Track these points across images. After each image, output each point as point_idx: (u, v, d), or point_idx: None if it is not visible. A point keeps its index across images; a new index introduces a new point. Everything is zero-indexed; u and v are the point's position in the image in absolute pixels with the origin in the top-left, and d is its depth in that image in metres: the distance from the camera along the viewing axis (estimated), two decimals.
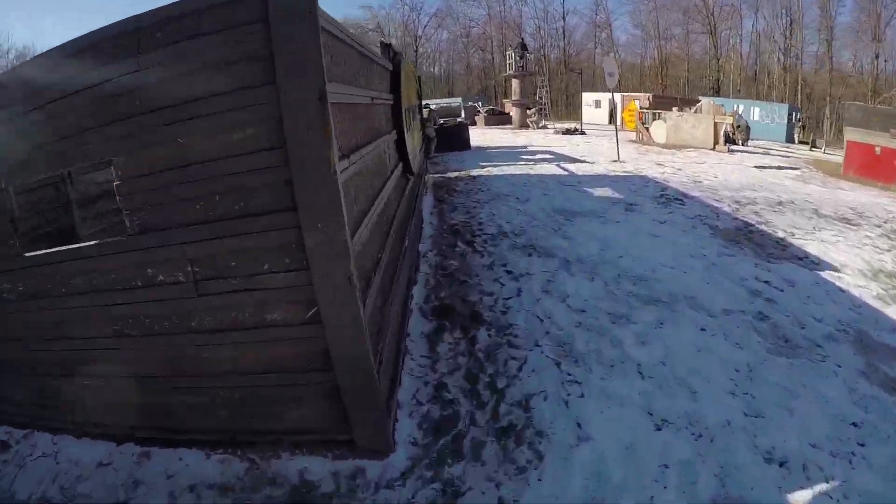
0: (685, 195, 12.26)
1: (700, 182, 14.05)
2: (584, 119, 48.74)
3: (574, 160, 18.00)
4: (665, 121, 23.55)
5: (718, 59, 64.07)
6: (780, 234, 9.37)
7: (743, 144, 23.64)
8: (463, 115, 23.31)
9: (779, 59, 61.34)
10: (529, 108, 33.12)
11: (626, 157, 18.06)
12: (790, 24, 60.15)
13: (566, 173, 15.23)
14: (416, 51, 72.17)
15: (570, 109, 57.35)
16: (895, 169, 16.11)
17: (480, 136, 27.33)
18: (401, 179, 7.26)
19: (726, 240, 8.95)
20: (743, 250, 8.48)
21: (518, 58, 32.45)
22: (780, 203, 11.81)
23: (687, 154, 19.88)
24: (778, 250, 8.57)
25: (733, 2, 62.46)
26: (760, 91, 60.43)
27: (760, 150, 23.94)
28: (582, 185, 13.37)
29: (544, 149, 21.18)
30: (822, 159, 22.76)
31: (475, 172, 15.46)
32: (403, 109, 7.70)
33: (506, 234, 8.88)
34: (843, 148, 19.00)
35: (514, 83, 32.85)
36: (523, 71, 32.59)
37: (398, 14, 72.04)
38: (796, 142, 36.89)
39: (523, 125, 32.73)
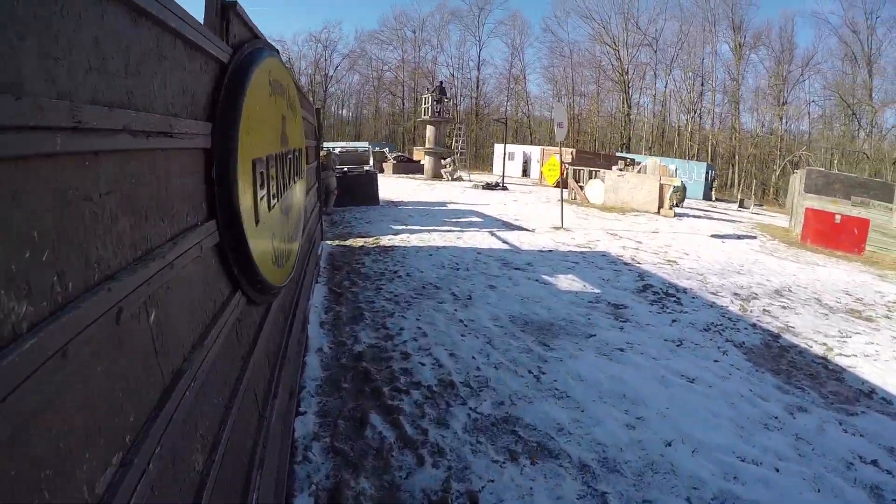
0: (675, 287, 8.96)
1: (675, 262, 10.97)
2: (496, 171, 46.55)
3: (509, 225, 14.53)
4: (603, 180, 20.61)
5: (629, 116, 63.57)
6: (817, 350, 6.77)
7: (678, 206, 21.06)
8: (372, 162, 19.55)
9: (688, 118, 61.41)
10: (444, 158, 29.73)
11: (567, 223, 14.74)
12: (701, 85, 60.51)
13: (507, 247, 11.58)
14: (326, 90, 68.85)
15: (479, 161, 55.11)
16: (856, 238, 15.19)
17: (391, 186, 23.62)
18: None
19: (771, 371, 5.98)
20: (806, 392, 5.51)
21: (435, 102, 29.09)
22: (777, 292, 9.51)
23: (634, 220, 16.92)
24: (836, 382, 5.87)
25: (647, 61, 62.52)
26: (669, 149, 60.26)
27: (699, 212, 21.62)
28: (535, 267, 9.74)
29: (467, 208, 17.67)
30: (765, 223, 21.15)
31: (388, 241, 11.61)
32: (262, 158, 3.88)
33: (453, 388, 4.88)
34: (773, 208, 17.08)
35: (429, 129, 29.45)
36: (439, 117, 29.23)
37: (310, 51, 68.80)
38: (713, 199, 36.17)
39: (436, 175, 29.28)
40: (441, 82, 31.81)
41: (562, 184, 16.01)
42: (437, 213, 15.97)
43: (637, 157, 38.65)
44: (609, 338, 6.40)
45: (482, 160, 55.34)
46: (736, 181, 54.29)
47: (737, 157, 57.80)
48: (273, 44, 3.74)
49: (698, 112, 61.17)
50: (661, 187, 19.44)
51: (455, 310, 7.06)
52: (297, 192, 4.91)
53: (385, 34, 68.76)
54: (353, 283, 8.23)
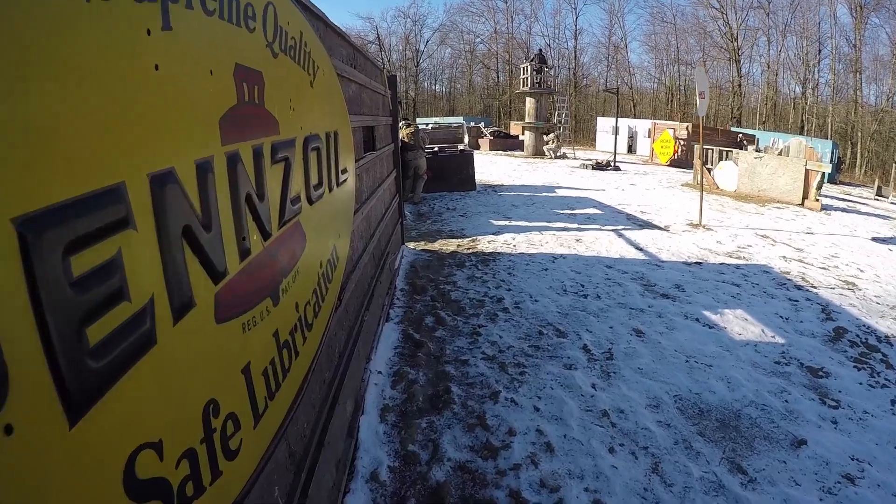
0: (874, 333, 6.02)
1: (853, 285, 7.82)
2: (599, 147, 43.04)
3: (635, 220, 11.67)
4: (736, 163, 17.24)
5: (741, 87, 58.03)
6: None
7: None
8: (467, 139, 17.10)
9: (803, 89, 55.18)
10: (546, 133, 26.81)
11: (704, 217, 11.75)
12: (818, 52, 54.15)
13: (642, 255, 8.85)
14: (417, 65, 66.71)
15: (579, 136, 51.44)
16: None
17: (488, 165, 21.09)
18: None
19: None
20: None
21: (534, 72, 26.16)
22: None
23: (778, 214, 13.56)
24: None
25: (758, 26, 56.65)
26: (782, 123, 54.52)
27: (841, 203, 17.81)
28: (687, 293, 7.02)
29: (580, 194, 14.89)
30: None
31: (487, 244, 9.23)
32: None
33: None
34: None
35: (529, 102, 26.54)
36: (540, 88, 26.27)
37: (400, 27, 66.92)
38: (837, 182, 31.47)
39: (538, 153, 26.42)
40: (540, 50, 28.64)
41: (700, 172, 12.86)
42: (546, 202, 13.34)
43: (754, 133, 34.46)
44: (825, 447, 3.77)
45: (582, 135, 51.74)
46: (858, 161, 48.27)
47: (859, 133, 51.18)
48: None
49: (815, 82, 54.87)
50: (808, 174, 15.91)
51: (592, 385, 4.51)
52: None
53: (475, 5, 65.57)
54: (438, 320, 5.82)
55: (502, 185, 16.17)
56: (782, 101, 57.26)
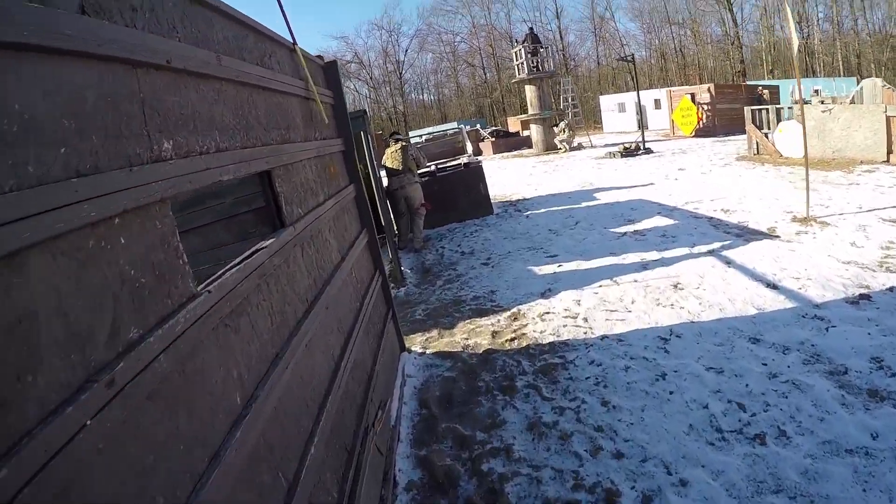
0: None
1: None
2: (606, 128, 39.24)
3: (728, 227, 8.09)
4: (800, 122, 13.51)
5: (740, 37, 53.94)
6: None
7: None
8: (469, 147, 13.62)
9: (806, 28, 50.97)
10: (554, 124, 23.16)
11: (799, 202, 8.27)
12: None
13: (780, 298, 5.29)
14: (401, 77, 63.57)
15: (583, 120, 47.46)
16: None
17: (497, 173, 17.49)
18: None
19: None
20: None
21: (529, 55, 22.52)
22: None
23: (874, 180, 9.97)
24: None
25: None
26: (791, 70, 50.16)
27: None
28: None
29: (629, 196, 11.31)
30: None
31: (539, 322, 5.72)
32: None
33: None
34: None
35: (529, 91, 22.96)
36: (540, 72, 22.61)
37: (376, 41, 63.87)
38: None
39: (549, 147, 22.81)
40: (531, 29, 24.89)
41: (805, 144, 9.01)
42: (592, 217, 9.75)
43: (774, 83, 30.73)
44: None
45: (585, 118, 47.13)
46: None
47: (872, 65, 46.81)
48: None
49: (815, 19, 50.59)
50: (890, 123, 12.15)
51: None
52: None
53: (449, 3, 62.32)
54: None
55: (525, 200, 12.57)
56: (784, 46, 52.99)
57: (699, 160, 15.04)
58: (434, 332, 5.87)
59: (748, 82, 35.21)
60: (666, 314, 5.33)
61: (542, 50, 23.34)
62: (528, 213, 10.95)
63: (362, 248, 4.43)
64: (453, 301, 6.72)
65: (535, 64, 22.72)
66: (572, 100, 24.67)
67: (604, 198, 11.40)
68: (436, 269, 8.15)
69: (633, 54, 18.81)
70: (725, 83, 35.93)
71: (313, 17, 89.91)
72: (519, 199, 12.69)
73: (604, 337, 5.07)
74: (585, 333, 5.23)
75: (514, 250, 8.40)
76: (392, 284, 7.76)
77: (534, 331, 5.45)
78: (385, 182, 9.39)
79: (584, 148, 22.22)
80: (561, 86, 24.78)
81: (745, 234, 7.50)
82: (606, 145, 22.41)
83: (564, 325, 5.47)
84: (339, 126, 4.48)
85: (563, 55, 59.68)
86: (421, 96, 67.51)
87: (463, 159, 11.75)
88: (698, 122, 24.21)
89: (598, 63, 60.58)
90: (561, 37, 60.38)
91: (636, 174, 13.94)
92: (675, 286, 5.99)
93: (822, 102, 14.24)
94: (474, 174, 11.01)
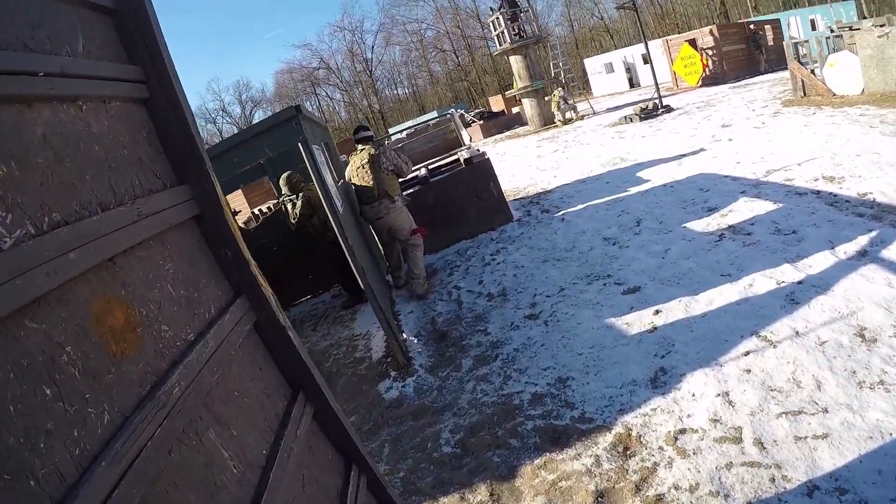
0: None
1: None
2: (597, 92, 36.26)
3: (857, 209, 5.33)
4: (854, 52, 10.60)
5: None
6: None
7: None
8: (466, 137, 10.84)
9: None
10: (548, 94, 20.23)
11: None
12: None
13: None
14: (371, 75, 60.50)
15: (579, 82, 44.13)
16: None
17: (498, 161, 14.39)
18: None
19: None
20: None
21: (508, 22, 19.52)
22: None
23: None
24: None
25: None
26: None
27: None
28: None
29: (685, 171, 8.44)
30: None
31: (711, 497, 2.72)
32: None
33: None
34: None
35: (515, 62, 20.00)
36: (524, 38, 19.62)
37: (340, 43, 60.81)
38: None
39: (547, 122, 19.87)
40: None
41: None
42: (659, 212, 6.88)
43: (774, 17, 27.89)
44: None
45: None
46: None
47: None
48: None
49: None
50: None
51: None
52: None
53: None
54: None
55: (547, 193, 9.61)
56: None
57: (736, 112, 12.15)
58: (481, 495, 3.09)
59: (749, 19, 32.17)
60: (886, 405, 2.64)
61: (521, 14, 20.33)
62: (562, 213, 7.99)
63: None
64: (499, 407, 3.92)
65: (517, 30, 19.74)
66: (564, 64, 21.70)
67: (652, 177, 8.49)
68: (456, 334, 5.28)
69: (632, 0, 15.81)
70: (727, 23, 32.97)
71: (281, 29, 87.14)
72: (540, 194, 9.74)
73: (811, 489, 2.40)
74: (775, 483, 2.58)
75: (568, 283, 5.52)
76: (392, 374, 4.94)
77: (675, 485, 2.73)
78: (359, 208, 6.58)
79: (587, 116, 19.28)
80: (549, 51, 21.82)
81: (887, 216, 4.77)
82: (608, 110, 19.50)
83: (728, 466, 2.80)
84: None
85: (536, 25, 56.45)
86: (395, 91, 64.37)
87: (462, 154, 8.81)
88: (704, 70, 21.41)
89: (572, 27, 57.45)
90: (529, 4, 57.18)
91: (672, 139, 11.04)
92: (862, 335, 3.39)
93: (881, 26, 11.26)
94: (481, 172, 8.06)
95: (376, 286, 5.49)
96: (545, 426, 3.58)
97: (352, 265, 4.81)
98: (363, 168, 6.39)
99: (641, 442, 3.18)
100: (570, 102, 19.67)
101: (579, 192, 8.77)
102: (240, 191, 21.69)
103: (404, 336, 5.43)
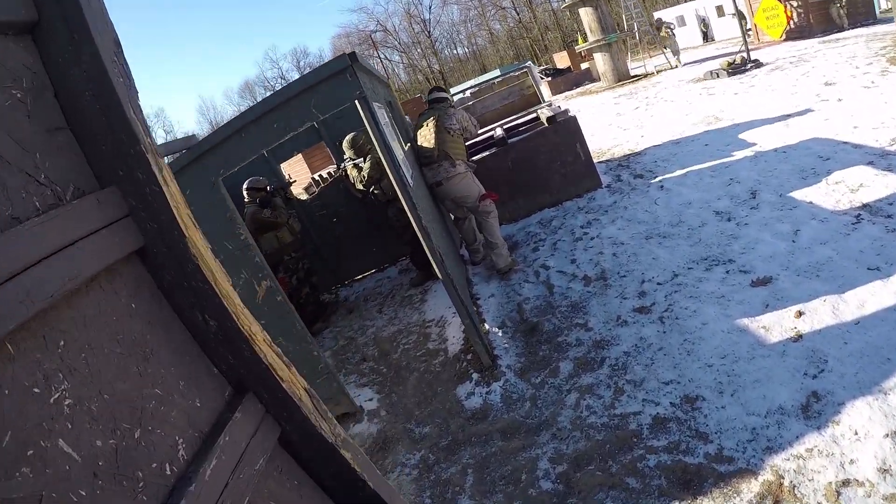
0: None
1: None
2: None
3: None
4: None
5: None
6: None
7: None
8: (546, 93, 9.82)
9: None
10: (659, 29, 18.93)
11: None
12: None
13: None
14: (430, 36, 59.07)
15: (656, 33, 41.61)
16: None
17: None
18: None
19: None
20: None
21: None
22: None
23: None
24: None
25: None
26: None
27: None
28: None
29: (795, 133, 7.21)
30: None
31: None
32: None
33: None
34: None
35: (586, 15, 18.50)
36: None
37: (397, 5, 59.40)
38: None
39: (622, 77, 18.46)
40: None
41: None
42: (776, 183, 5.79)
43: None
44: None
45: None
46: None
47: None
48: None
49: None
50: None
51: None
52: None
53: None
54: None
55: (637, 155, 8.51)
56: None
57: (838, 69, 10.64)
58: None
59: None
60: None
61: None
62: (658, 179, 6.94)
63: None
64: (612, 432, 3.20)
65: None
66: (637, 16, 20.11)
67: (759, 140, 7.31)
68: (549, 326, 4.46)
69: None
70: None
71: None
72: (628, 156, 8.65)
73: None
74: None
75: (682, 267, 4.60)
76: (474, 375, 4.18)
77: None
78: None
79: (663, 71, 17.75)
80: (621, 2, 20.25)
81: None
82: (685, 65, 17.93)
83: None
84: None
85: None
86: (455, 51, 62.56)
87: (543, 111, 7.82)
88: (787, 23, 19.48)
89: None
90: None
91: (770, 97, 9.71)
92: None
93: None
94: (567, 131, 7.06)
95: (452, 267, 4.68)
96: (672, 464, 2.79)
97: (427, 251, 4.01)
98: (426, 127, 5.69)
99: (796, 495, 2.40)
100: (672, 41, 18.20)
101: (674, 156, 7.67)
102: (300, 155, 20.95)
103: (486, 327, 4.64)
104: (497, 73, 36.22)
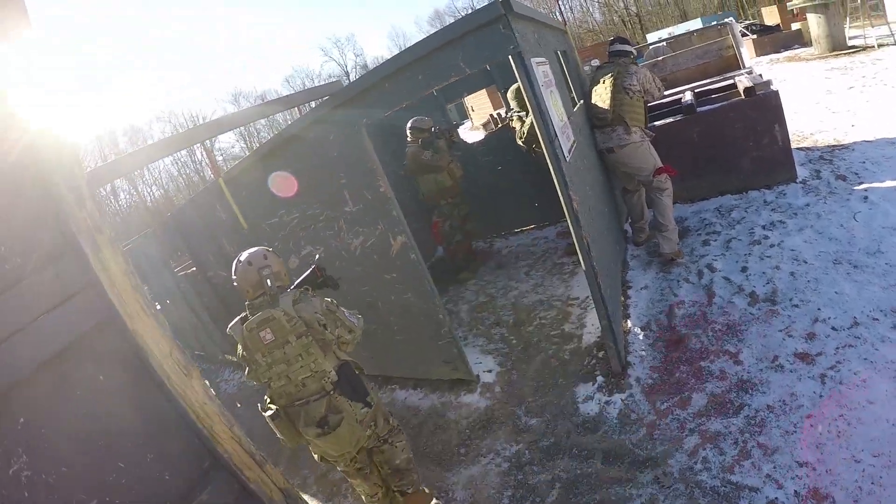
0: None
1: None
2: (892, 15, 28.77)
3: None
4: None
5: None
6: None
7: None
8: (747, 58, 8.45)
9: None
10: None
11: None
12: None
13: None
14: None
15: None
16: None
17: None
18: None
19: None
20: None
21: None
22: None
23: None
24: None
25: None
26: None
27: None
28: None
29: None
30: None
31: None
32: None
33: None
34: None
35: None
36: None
37: None
38: None
39: (837, 46, 15.80)
40: None
41: None
42: None
43: None
44: None
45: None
46: None
47: None
48: None
49: None
50: None
51: None
52: None
53: None
54: None
55: (844, 149, 6.91)
56: None
57: None
58: None
59: None
60: None
61: None
62: (864, 186, 5.54)
63: None
64: (718, 500, 2.63)
65: None
66: None
67: None
68: (696, 344, 3.76)
69: None
70: None
71: None
72: (832, 147, 7.10)
73: None
74: None
75: (865, 316, 3.55)
76: (599, 377, 3.67)
77: None
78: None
79: (885, 46, 14.91)
80: None
81: None
82: None
83: None
84: None
85: None
86: None
87: (741, 80, 6.68)
88: None
89: None
90: None
91: None
92: None
93: None
94: (766, 108, 5.91)
95: (605, 252, 4.08)
96: None
97: (574, 237, 3.46)
98: (603, 84, 5.00)
99: None
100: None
101: (888, 160, 6.11)
102: (484, 91, 20.44)
103: (629, 325, 4.04)
104: (698, 22, 33.13)
